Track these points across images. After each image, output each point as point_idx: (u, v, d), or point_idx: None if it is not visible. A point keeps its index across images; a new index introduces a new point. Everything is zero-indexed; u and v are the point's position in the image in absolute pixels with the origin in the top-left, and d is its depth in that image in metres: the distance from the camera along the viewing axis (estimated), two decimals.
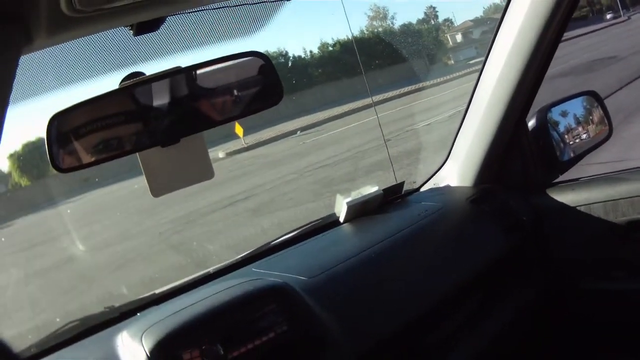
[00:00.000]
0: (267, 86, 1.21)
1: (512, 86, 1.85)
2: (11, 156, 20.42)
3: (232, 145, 16.91)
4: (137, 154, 1.16)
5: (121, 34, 1.07)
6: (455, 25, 36.93)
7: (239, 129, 15.81)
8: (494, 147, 1.98)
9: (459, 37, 35.36)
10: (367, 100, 14.01)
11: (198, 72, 1.14)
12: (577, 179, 1.98)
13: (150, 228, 9.19)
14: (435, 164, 2.20)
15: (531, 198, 2.00)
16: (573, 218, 1.91)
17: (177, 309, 1.35)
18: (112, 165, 1.14)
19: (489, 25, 31.40)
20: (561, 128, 2.06)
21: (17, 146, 20.05)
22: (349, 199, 1.92)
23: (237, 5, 1.17)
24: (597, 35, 24.92)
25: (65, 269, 8.12)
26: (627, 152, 5.82)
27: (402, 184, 2.12)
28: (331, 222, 1.95)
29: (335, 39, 30.43)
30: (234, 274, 1.70)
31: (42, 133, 1.05)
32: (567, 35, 2.02)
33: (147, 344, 1.24)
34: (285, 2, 1.23)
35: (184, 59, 1.19)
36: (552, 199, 1.95)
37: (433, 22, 37.15)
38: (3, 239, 12.60)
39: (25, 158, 20.02)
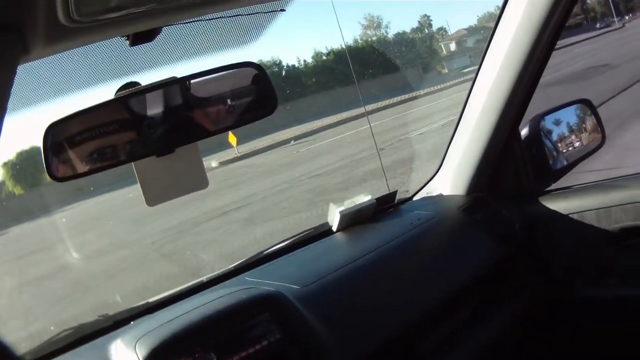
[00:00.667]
0: (262, 96, 1.22)
1: (505, 95, 1.86)
2: (5, 165, 20.36)
3: (225, 155, 16.86)
4: (132, 163, 1.17)
5: (117, 44, 1.08)
6: (449, 34, 37.12)
7: (232, 138, 15.77)
8: (486, 155, 1.98)
9: (452, 46, 35.49)
10: (361, 110, 14.02)
11: (193, 82, 1.15)
12: (569, 187, 1.99)
13: (144, 237, 9.14)
14: (428, 172, 2.21)
15: (524, 206, 2.00)
16: (566, 226, 1.91)
17: (170, 317, 1.35)
18: (106, 174, 1.14)
19: (483, 34, 31.47)
20: (554, 136, 2.07)
21: (11, 155, 19.97)
22: (342, 208, 1.93)
23: (232, 16, 1.18)
24: (591, 43, 25.12)
25: (59, 278, 8.08)
26: (621, 159, 5.84)
27: (395, 193, 2.12)
28: (324, 231, 1.96)
29: (330, 48, 30.46)
30: (227, 282, 1.70)
31: (37, 142, 1.06)
32: (560, 43, 2.03)
33: (141, 353, 1.24)
34: (280, 12, 1.24)
35: (179, 69, 1.19)
36: (545, 207, 1.95)
37: (427, 31, 37.29)
38: None
39: (20, 167, 19.93)
